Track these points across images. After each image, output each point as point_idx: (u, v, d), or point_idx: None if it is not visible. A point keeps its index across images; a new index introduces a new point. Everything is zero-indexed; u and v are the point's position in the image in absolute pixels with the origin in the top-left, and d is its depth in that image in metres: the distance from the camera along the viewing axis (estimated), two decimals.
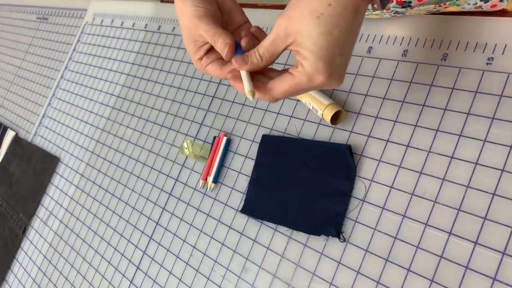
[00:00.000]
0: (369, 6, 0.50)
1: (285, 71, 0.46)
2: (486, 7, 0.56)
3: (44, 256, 0.99)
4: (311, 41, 0.40)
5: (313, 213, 0.61)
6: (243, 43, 0.49)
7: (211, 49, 0.52)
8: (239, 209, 0.70)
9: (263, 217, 0.66)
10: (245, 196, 0.70)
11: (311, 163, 0.64)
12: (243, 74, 0.46)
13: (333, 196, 0.60)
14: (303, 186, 0.63)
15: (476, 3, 0.56)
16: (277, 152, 0.69)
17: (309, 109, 0.68)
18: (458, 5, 0.56)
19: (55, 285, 0.93)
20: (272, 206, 0.66)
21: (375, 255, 0.55)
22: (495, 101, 0.52)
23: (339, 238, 0.58)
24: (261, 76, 0.48)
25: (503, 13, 0.56)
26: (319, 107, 0.64)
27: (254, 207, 0.68)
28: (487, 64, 0.54)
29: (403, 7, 0.61)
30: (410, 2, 0.59)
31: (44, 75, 1.34)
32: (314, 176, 0.63)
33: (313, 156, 0.64)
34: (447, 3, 0.56)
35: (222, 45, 0.48)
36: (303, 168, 0.64)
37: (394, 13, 0.63)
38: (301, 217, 0.62)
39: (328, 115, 0.62)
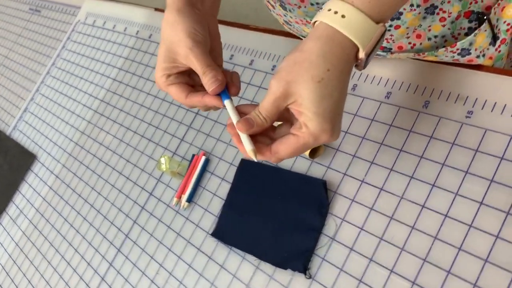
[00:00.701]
0: None
1: (283, 128, 0.47)
2: (463, 60, 0.57)
3: (10, 256, 0.97)
4: (314, 104, 0.42)
5: (283, 246, 0.61)
6: (235, 89, 0.50)
7: (183, 72, 0.51)
8: (210, 231, 0.69)
9: (233, 243, 0.66)
10: (217, 219, 0.69)
11: (286, 194, 0.64)
12: (244, 135, 0.46)
13: (304, 230, 0.60)
14: (276, 216, 0.63)
15: (453, 56, 0.57)
16: (254, 178, 0.69)
17: None
18: (436, 55, 0.57)
19: (16, 286, 0.91)
20: (243, 233, 0.65)
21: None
22: (470, 155, 0.53)
23: (305, 274, 0.58)
24: (259, 136, 0.48)
25: (485, 67, 0.57)
26: None
27: (225, 232, 0.68)
28: (466, 117, 0.55)
29: (383, 51, 0.61)
30: (391, 48, 0.60)
31: (30, 68, 1.32)
32: (287, 208, 0.63)
33: (288, 187, 0.64)
34: (426, 53, 0.57)
35: (212, 79, 0.49)
36: (278, 198, 0.64)
37: (374, 55, 0.63)
38: (271, 248, 0.62)
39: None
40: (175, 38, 0.50)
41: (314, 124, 0.43)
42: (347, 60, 0.43)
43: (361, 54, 0.44)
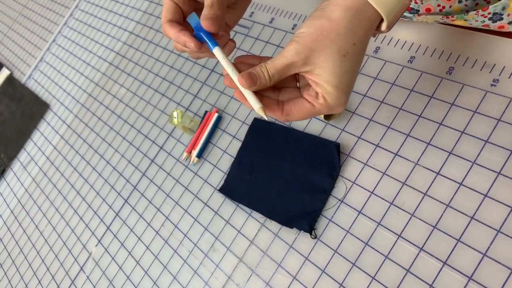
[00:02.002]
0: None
1: (290, 91, 0.46)
2: (494, 27, 0.55)
3: (19, 201, 0.98)
4: (336, 79, 0.41)
5: (290, 205, 0.60)
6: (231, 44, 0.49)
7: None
8: (218, 188, 0.69)
9: (240, 200, 0.65)
10: (226, 176, 0.69)
11: (297, 155, 0.63)
12: (248, 92, 0.44)
13: (313, 191, 0.59)
14: (284, 176, 0.62)
15: (484, 21, 0.54)
16: (265, 138, 0.67)
17: None
18: (465, 19, 0.55)
19: (24, 231, 0.92)
20: (251, 191, 0.65)
21: (343, 257, 0.54)
22: (492, 124, 0.51)
23: (310, 234, 0.57)
24: (266, 90, 0.45)
25: None
26: None
27: (233, 188, 0.67)
28: (491, 85, 0.53)
29: (410, 13, 0.59)
30: (418, 10, 0.57)
31: (48, 18, 1.31)
32: (297, 168, 0.62)
33: (300, 148, 0.63)
34: (455, 16, 0.54)
35: (211, 13, 0.44)
36: (288, 159, 0.63)
37: (401, 17, 0.61)
38: (278, 207, 0.61)
39: None
40: None
41: (333, 98, 0.42)
42: (371, 33, 0.43)
43: (384, 27, 0.43)
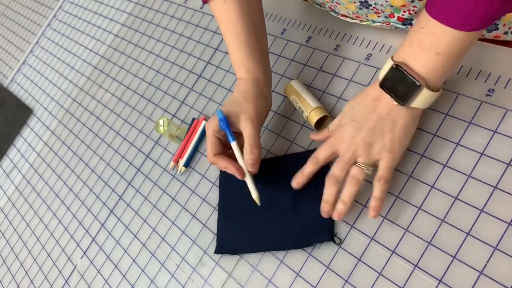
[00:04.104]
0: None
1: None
2: (490, 36, 0.53)
3: (1, 210, 0.95)
4: None
5: (299, 227, 0.56)
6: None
7: None
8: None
9: (243, 250, 0.60)
10: (215, 237, 0.63)
11: (282, 178, 0.59)
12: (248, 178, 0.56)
13: (316, 202, 0.56)
14: (280, 203, 0.59)
15: None
16: (239, 182, 0.60)
17: (295, 108, 0.64)
18: None
19: (7, 242, 0.90)
20: (250, 236, 0.60)
21: (336, 273, 0.52)
22: (487, 136, 0.49)
23: (334, 241, 0.54)
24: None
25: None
26: (306, 109, 0.60)
27: (229, 243, 0.61)
28: (486, 95, 0.51)
29: (404, 24, 0.57)
30: (412, 19, 0.56)
31: (31, 19, 1.27)
32: (288, 190, 0.58)
33: (283, 171, 0.60)
34: None
35: (253, 160, 0.55)
36: (274, 186, 0.60)
37: (394, 28, 0.59)
38: (286, 235, 0.57)
39: (313, 118, 0.59)
40: (245, 105, 0.56)
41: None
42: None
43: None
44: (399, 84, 0.47)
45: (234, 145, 0.56)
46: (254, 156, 0.55)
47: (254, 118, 0.56)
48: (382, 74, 0.49)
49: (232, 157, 0.57)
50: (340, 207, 0.51)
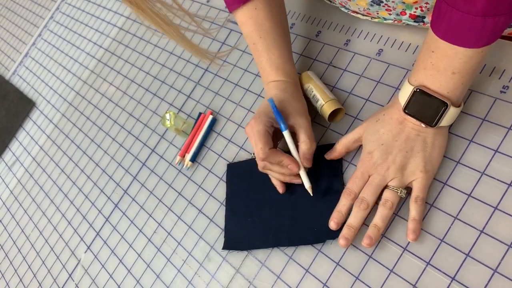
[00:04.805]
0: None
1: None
2: (504, 33, 0.53)
3: (3, 203, 0.94)
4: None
5: (308, 223, 0.56)
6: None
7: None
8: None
9: (251, 247, 0.59)
10: (223, 232, 0.62)
11: None
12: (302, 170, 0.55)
13: (326, 197, 0.56)
14: (288, 199, 0.58)
15: None
16: (247, 177, 0.62)
17: (309, 98, 0.62)
18: None
19: (9, 235, 0.89)
20: (259, 232, 0.59)
21: (346, 270, 0.52)
22: (502, 133, 0.49)
23: None
24: None
25: None
26: (322, 97, 0.59)
27: (237, 239, 0.60)
28: (501, 92, 0.51)
29: (415, 21, 0.56)
30: (424, 17, 0.55)
31: (33, 11, 1.26)
32: (297, 185, 0.58)
33: None
34: None
35: (310, 155, 0.55)
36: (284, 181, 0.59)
37: (406, 25, 0.59)
38: (296, 231, 0.56)
39: (329, 108, 0.58)
40: (294, 103, 0.57)
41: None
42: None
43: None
44: (425, 107, 0.47)
45: (286, 134, 0.55)
46: (312, 151, 0.55)
47: (307, 114, 0.57)
48: (403, 98, 0.49)
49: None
50: (373, 232, 0.49)
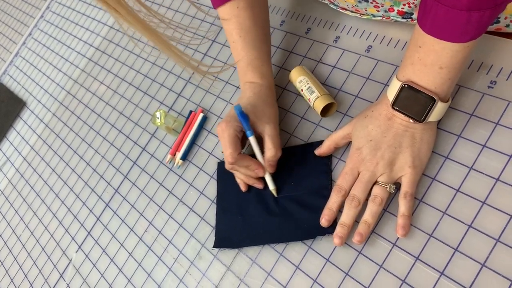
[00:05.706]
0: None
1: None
2: (491, 29, 0.53)
3: None
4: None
5: (299, 219, 0.56)
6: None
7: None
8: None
9: (242, 244, 0.59)
10: (214, 230, 0.62)
11: (282, 170, 0.59)
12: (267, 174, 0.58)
13: (315, 194, 0.56)
14: (277, 197, 0.58)
15: None
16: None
17: (300, 90, 0.61)
18: None
19: (0, 236, 0.88)
20: (250, 229, 0.59)
21: (336, 266, 0.52)
22: (489, 129, 0.49)
23: None
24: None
25: None
26: (318, 90, 0.59)
27: (228, 237, 0.60)
28: (488, 87, 0.51)
29: (404, 18, 0.57)
30: (412, 14, 0.55)
31: (23, 11, 1.25)
32: (287, 183, 0.58)
33: (284, 162, 0.59)
34: None
35: (273, 163, 0.57)
36: (274, 178, 0.59)
37: (394, 21, 0.59)
38: (287, 228, 0.56)
39: (323, 102, 0.58)
40: (265, 108, 0.58)
41: None
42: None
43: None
44: (413, 102, 0.47)
45: (252, 140, 0.56)
46: (276, 158, 0.57)
47: (276, 122, 0.58)
48: (391, 94, 0.49)
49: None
50: (364, 228, 0.49)
